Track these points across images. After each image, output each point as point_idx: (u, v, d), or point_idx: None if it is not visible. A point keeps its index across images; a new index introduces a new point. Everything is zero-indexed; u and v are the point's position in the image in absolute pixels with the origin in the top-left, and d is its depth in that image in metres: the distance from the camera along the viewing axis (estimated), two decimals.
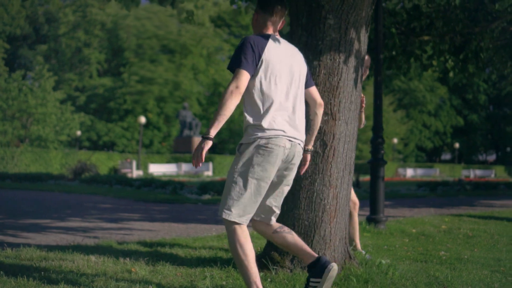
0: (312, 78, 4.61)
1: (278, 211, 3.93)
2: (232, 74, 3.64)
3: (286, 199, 4.67)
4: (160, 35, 56.81)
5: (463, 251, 6.52)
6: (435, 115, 64.41)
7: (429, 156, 71.84)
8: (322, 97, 4.57)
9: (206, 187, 16.26)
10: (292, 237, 3.92)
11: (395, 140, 54.43)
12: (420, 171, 50.04)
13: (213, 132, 3.55)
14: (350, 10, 4.67)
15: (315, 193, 4.61)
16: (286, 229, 3.96)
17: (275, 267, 4.59)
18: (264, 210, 3.89)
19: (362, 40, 4.83)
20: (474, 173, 52.08)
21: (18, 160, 34.32)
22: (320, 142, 4.62)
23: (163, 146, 55.89)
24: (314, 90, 4.01)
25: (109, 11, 57.69)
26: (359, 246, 5.89)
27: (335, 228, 4.67)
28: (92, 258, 5.07)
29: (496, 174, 56.43)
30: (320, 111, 4.02)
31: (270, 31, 3.86)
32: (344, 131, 4.71)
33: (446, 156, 76.62)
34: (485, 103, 68.33)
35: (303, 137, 3.82)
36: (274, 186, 3.84)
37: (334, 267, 3.71)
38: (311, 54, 4.68)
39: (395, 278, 4.56)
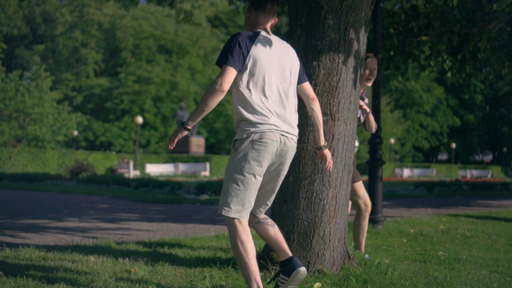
0: (311, 78, 4.63)
1: (269, 204, 3.99)
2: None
3: (285, 199, 4.68)
4: (157, 35, 56.79)
5: (461, 251, 6.53)
6: (431, 115, 64.43)
7: (426, 156, 71.88)
8: (321, 97, 4.58)
9: (203, 187, 16.25)
10: (273, 230, 3.97)
11: (392, 140, 54.46)
12: (417, 171, 50.06)
13: (190, 124, 3.72)
14: (349, 10, 4.68)
15: (314, 193, 4.62)
16: (270, 221, 4.01)
17: (274, 267, 4.59)
18: (256, 202, 3.91)
19: (361, 40, 4.83)
20: (471, 173, 52.14)
21: (15, 160, 34.26)
22: None
23: (160, 146, 55.84)
24: (307, 85, 4.04)
25: (106, 11, 57.64)
26: (363, 249, 5.80)
27: (335, 228, 4.68)
28: (91, 258, 5.07)
29: (493, 174, 56.47)
30: (316, 106, 4.04)
31: (262, 28, 3.91)
32: (343, 131, 4.72)
33: (443, 156, 76.67)
34: (482, 104, 68.38)
35: (296, 131, 3.86)
36: (269, 180, 3.88)
37: (302, 271, 3.81)
38: (311, 54, 4.69)
39: (394, 278, 4.57)
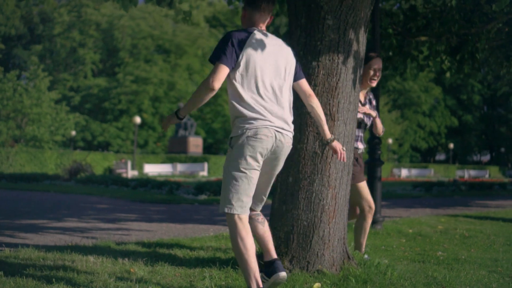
0: (311, 78, 4.63)
1: (265, 198, 4.05)
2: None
3: (285, 199, 4.68)
4: (155, 35, 56.80)
5: (460, 252, 6.54)
6: (429, 116, 64.50)
7: (424, 157, 71.95)
8: (320, 97, 4.58)
9: (202, 187, 16.26)
10: (262, 229, 4.03)
11: (390, 141, 54.52)
12: (414, 172, 50.13)
13: (182, 114, 3.88)
14: (349, 11, 4.68)
15: (314, 194, 4.62)
16: (261, 218, 4.05)
17: None
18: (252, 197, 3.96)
19: (360, 41, 4.84)
20: (469, 174, 52.19)
21: (13, 160, 34.25)
22: (319, 143, 4.63)
23: (158, 146, 55.84)
24: (304, 82, 4.10)
25: (104, 11, 57.65)
26: (363, 249, 5.76)
27: (334, 228, 4.68)
28: (91, 258, 5.07)
29: (490, 174, 56.54)
30: (314, 102, 4.08)
31: (257, 26, 3.96)
32: (343, 132, 4.72)
33: (441, 156, 76.77)
34: (480, 104, 68.49)
35: (290, 128, 3.91)
36: (264, 175, 3.93)
37: (281, 276, 3.89)
38: (310, 55, 4.69)
39: (394, 279, 4.57)
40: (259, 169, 3.79)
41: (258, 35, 3.86)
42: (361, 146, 5.46)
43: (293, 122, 4.64)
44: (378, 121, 5.58)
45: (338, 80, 4.69)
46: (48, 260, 5.00)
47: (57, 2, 61.48)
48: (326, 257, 4.63)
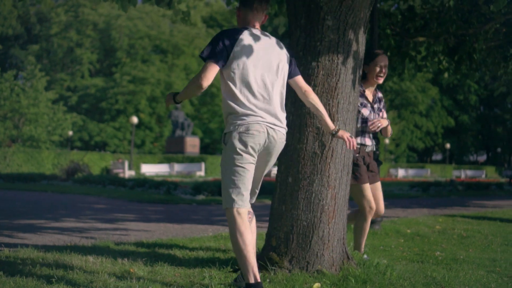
0: (311, 79, 4.64)
1: (257, 191, 4.15)
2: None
3: (284, 199, 4.69)
4: (152, 35, 56.79)
5: (458, 252, 6.55)
6: (426, 116, 64.57)
7: (420, 157, 72.03)
8: (320, 98, 4.58)
9: (200, 187, 16.26)
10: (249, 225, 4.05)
11: (387, 141, 54.58)
12: (411, 172, 50.22)
13: (178, 99, 3.99)
14: (348, 11, 4.69)
15: (313, 194, 4.63)
16: (249, 217, 4.07)
17: (273, 267, 4.59)
18: None
19: (360, 41, 4.85)
20: (465, 174, 52.32)
21: (10, 160, 34.20)
22: (319, 143, 4.64)
23: (155, 146, 55.82)
24: (299, 79, 4.15)
25: (101, 11, 57.62)
26: (362, 250, 5.75)
27: (334, 228, 4.69)
28: (90, 258, 5.07)
29: (487, 174, 56.68)
30: (311, 96, 4.13)
31: (251, 25, 4.02)
32: None
33: (437, 156, 76.86)
34: (476, 104, 68.56)
35: (283, 124, 3.97)
36: (256, 169, 4.00)
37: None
38: (310, 55, 4.70)
39: (393, 279, 4.58)
40: (254, 162, 3.87)
41: (250, 33, 3.93)
42: (369, 142, 5.37)
43: (293, 122, 4.68)
44: (389, 126, 5.55)
45: (338, 80, 4.70)
46: (47, 260, 5.00)
47: (54, 2, 61.46)
48: (325, 257, 4.64)
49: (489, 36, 10.17)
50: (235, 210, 3.80)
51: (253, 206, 4.13)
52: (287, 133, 4.50)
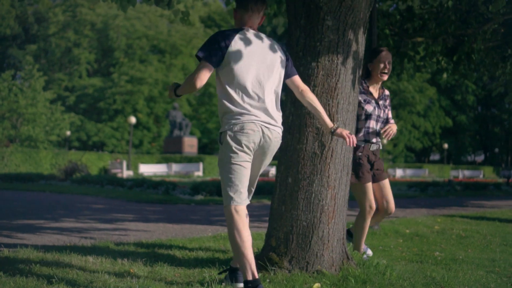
0: (310, 79, 4.65)
1: (253, 190, 4.19)
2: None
3: (284, 200, 4.69)
4: (150, 35, 56.76)
5: (457, 252, 6.56)
6: (424, 116, 64.60)
7: (418, 157, 72.08)
8: (320, 98, 4.59)
9: (198, 187, 16.25)
10: (246, 223, 4.10)
11: (385, 141, 54.35)
12: (409, 172, 50.24)
13: (179, 92, 4.03)
14: (348, 11, 4.69)
15: (313, 194, 4.63)
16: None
17: (273, 268, 4.60)
18: None
19: (359, 41, 4.86)
20: (463, 174, 52.36)
21: (8, 160, 34.15)
22: (318, 143, 4.64)
23: (153, 146, 55.80)
24: (296, 78, 4.18)
25: (99, 11, 57.56)
26: (361, 250, 5.75)
27: (333, 229, 4.69)
28: (90, 259, 5.07)
29: (485, 174, 56.74)
30: (308, 95, 4.14)
31: (248, 26, 4.05)
32: None
33: (435, 156, 76.90)
34: (474, 104, 68.64)
35: (278, 123, 3.99)
36: (252, 168, 4.04)
37: (238, 286, 4.17)
38: (309, 56, 4.70)
39: (393, 279, 4.59)
40: (250, 160, 3.91)
41: (245, 33, 3.97)
42: (375, 140, 5.38)
43: (293, 123, 4.68)
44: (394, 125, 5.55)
45: (338, 80, 4.70)
46: (47, 260, 5.00)
47: (51, 2, 61.43)
48: (325, 257, 4.64)
49: (488, 36, 10.19)
50: (232, 207, 3.84)
51: (252, 206, 4.15)
52: (287, 134, 4.51)
